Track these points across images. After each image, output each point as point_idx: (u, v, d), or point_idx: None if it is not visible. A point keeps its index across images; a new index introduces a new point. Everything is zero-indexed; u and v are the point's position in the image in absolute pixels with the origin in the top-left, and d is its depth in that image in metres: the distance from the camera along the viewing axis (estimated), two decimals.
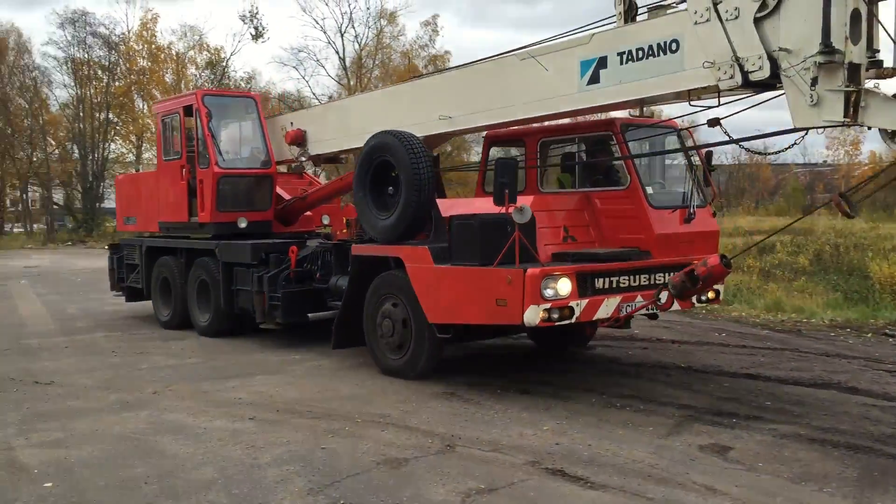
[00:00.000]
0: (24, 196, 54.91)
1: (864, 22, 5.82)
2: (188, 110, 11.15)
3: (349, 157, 12.40)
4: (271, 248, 10.22)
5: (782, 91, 6.12)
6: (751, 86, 6.32)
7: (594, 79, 7.17)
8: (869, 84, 5.86)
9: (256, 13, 48.96)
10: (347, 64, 55.32)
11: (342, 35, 54.50)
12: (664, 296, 7.14)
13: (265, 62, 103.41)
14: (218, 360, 9.46)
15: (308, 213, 12.05)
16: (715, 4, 6.26)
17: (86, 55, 48.05)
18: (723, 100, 6.83)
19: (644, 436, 6.21)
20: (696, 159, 8.47)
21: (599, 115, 8.62)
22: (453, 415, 6.83)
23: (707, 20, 6.32)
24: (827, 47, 5.68)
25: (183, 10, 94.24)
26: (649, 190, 8.10)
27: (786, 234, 18.37)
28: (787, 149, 7.04)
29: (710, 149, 8.25)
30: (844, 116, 5.72)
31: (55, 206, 53.19)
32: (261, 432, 6.38)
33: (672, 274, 7.10)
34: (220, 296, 10.74)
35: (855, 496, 4.99)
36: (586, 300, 7.14)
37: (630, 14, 7.32)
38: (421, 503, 4.90)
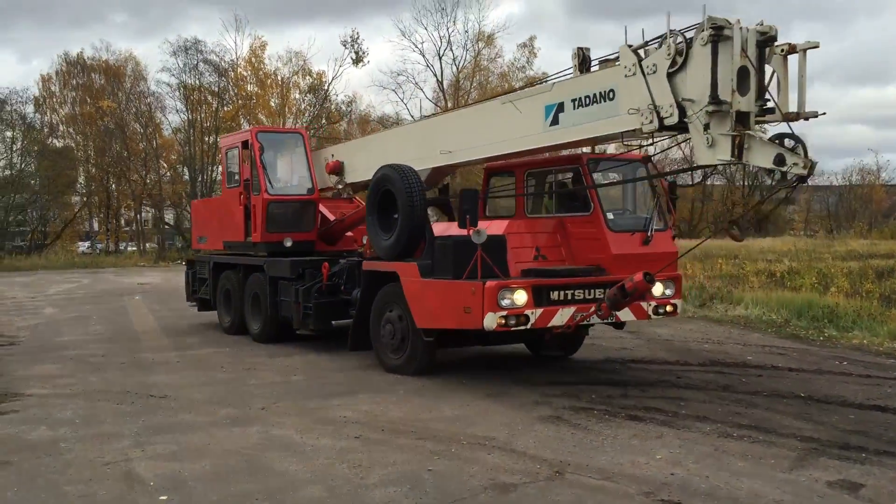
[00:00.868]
0: (138, 216, 57.88)
1: (752, 77, 6.84)
2: (245, 144, 12.62)
3: None
4: (307, 265, 11.61)
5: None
6: (665, 129, 7.40)
7: (555, 121, 8.34)
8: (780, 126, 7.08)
9: (357, 38, 50.12)
10: (445, 86, 56.01)
11: (440, 58, 55.23)
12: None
13: (365, 86, 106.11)
14: (322, 378, 9.56)
15: (350, 233, 13.00)
16: (639, 61, 7.38)
17: (197, 81, 50.29)
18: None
19: (765, 469, 5.86)
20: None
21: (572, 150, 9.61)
22: (560, 440, 6.64)
23: (634, 74, 7.43)
24: (714, 99, 6.78)
25: (288, 36, 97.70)
26: (610, 216, 9.12)
27: None
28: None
29: (674, 179, 9.36)
30: (732, 156, 6.82)
31: (166, 226, 55.83)
32: (366, 451, 6.36)
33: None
34: (268, 305, 12.17)
35: None
36: (541, 309, 8.30)
37: (584, 66, 8.40)
38: None
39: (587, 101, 7.97)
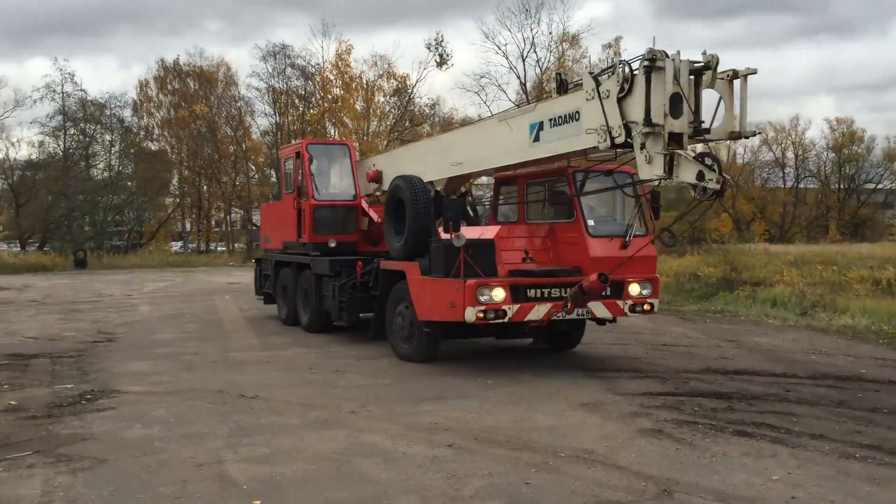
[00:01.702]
0: (227, 217, 59.51)
1: (685, 102, 7.70)
2: (298, 154, 13.97)
3: None
4: (344, 263, 12.74)
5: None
6: (616, 147, 8.31)
7: (537, 138, 9.32)
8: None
9: (441, 41, 50.13)
10: (528, 88, 55.52)
11: (524, 60, 54.71)
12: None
13: (448, 88, 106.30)
14: (411, 382, 9.40)
15: None
16: (597, 86, 8.23)
17: (285, 85, 51.31)
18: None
19: None
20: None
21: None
22: (665, 455, 6.25)
23: (593, 98, 8.30)
24: (648, 122, 7.68)
25: (374, 41, 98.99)
26: (591, 222, 10.00)
27: None
28: (650, 192, 9.70)
29: (657, 189, 9.39)
30: (664, 172, 7.66)
31: (254, 227, 57.12)
32: (460, 461, 6.13)
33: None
34: (313, 299, 13.53)
35: None
36: (518, 305, 9.34)
37: (562, 89, 9.16)
38: None
39: (560, 121, 8.97)
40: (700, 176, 7.49)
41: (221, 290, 24.06)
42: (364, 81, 53.76)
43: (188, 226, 64.30)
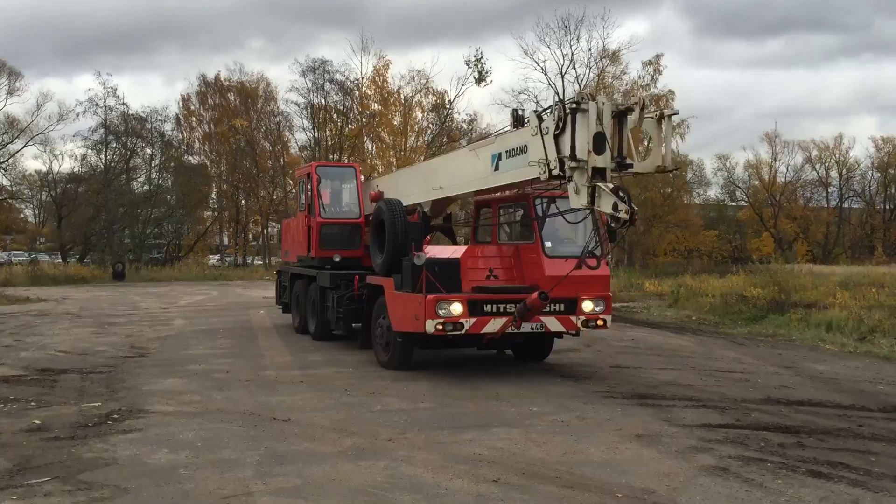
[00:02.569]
0: (265, 231, 59.68)
1: (607, 141, 8.54)
2: (309, 176, 15.02)
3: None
4: (343, 277, 13.55)
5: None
6: (553, 179, 9.09)
7: (497, 167, 10.21)
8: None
9: (481, 58, 49.89)
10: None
11: (562, 76, 54.24)
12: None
13: (486, 104, 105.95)
14: (451, 406, 8.89)
15: None
16: (539, 123, 9.06)
17: (323, 100, 51.41)
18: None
19: None
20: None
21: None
22: (733, 498, 5.66)
23: (536, 134, 9.13)
24: (573, 157, 8.56)
25: (412, 56, 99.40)
26: (548, 244, 10.85)
27: None
28: (581, 221, 10.14)
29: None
30: (588, 202, 8.52)
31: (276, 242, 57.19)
32: (508, 499, 5.62)
33: (553, 305, 10.25)
34: (318, 309, 14.56)
35: None
36: (475, 319, 10.15)
37: (519, 123, 9.80)
38: None
39: (513, 153, 9.84)
40: (615, 207, 8.31)
41: (256, 304, 23.82)
42: (402, 97, 53.75)
43: (226, 239, 64.63)
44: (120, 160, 49.07)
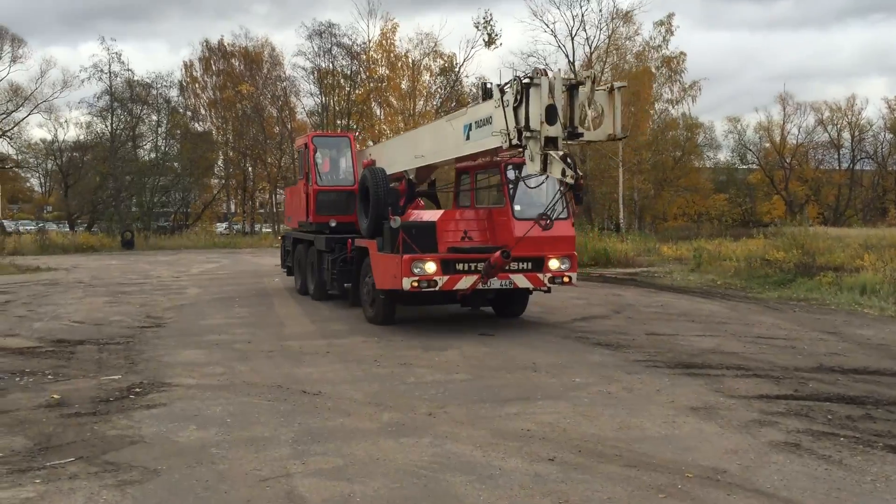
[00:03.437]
0: (272, 198, 59.09)
1: (559, 112, 9.26)
2: (306, 145, 15.93)
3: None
4: (337, 241, 14.20)
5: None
6: (514, 147, 9.77)
7: (468, 137, 10.98)
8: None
9: (490, 19, 48.86)
10: (577, 68, 53.96)
11: (573, 38, 53.21)
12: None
13: (495, 68, 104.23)
14: (488, 377, 8.46)
15: None
16: (502, 96, 9.65)
17: (330, 65, 50.50)
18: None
19: None
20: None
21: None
22: (814, 478, 5.22)
23: (498, 106, 9.78)
24: (527, 128, 9.28)
25: (420, 19, 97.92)
26: (517, 207, 11.62)
27: None
28: (539, 185, 11.02)
29: (581, 177, 9.83)
30: (541, 168, 9.28)
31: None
32: (568, 480, 5.18)
33: (521, 264, 11.15)
34: (316, 271, 15.47)
35: None
36: (447, 277, 10.96)
37: (487, 96, 10.35)
38: None
39: (481, 123, 10.54)
40: (563, 173, 9.15)
41: (269, 272, 23.39)
42: (410, 61, 52.77)
43: (233, 207, 64.12)
44: (126, 127, 48.41)
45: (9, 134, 50.35)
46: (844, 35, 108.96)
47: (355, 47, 50.61)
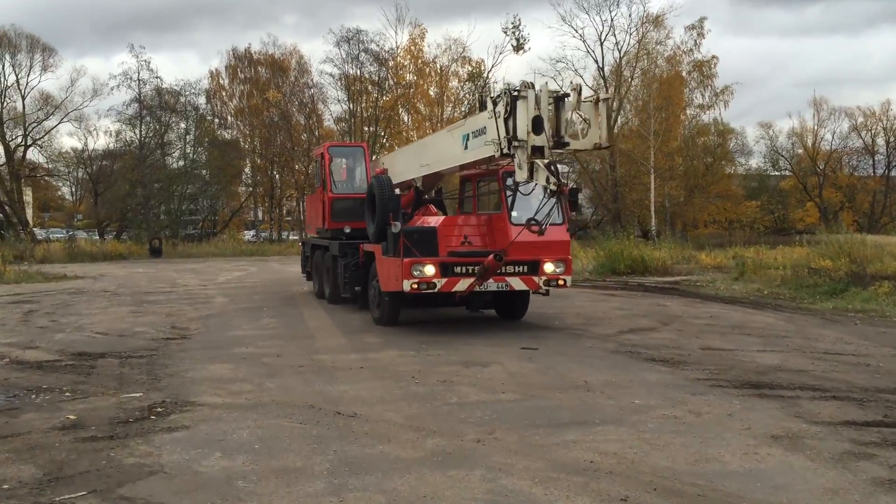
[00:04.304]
0: (300, 205, 58.79)
1: (545, 123, 9.86)
2: (322, 155, 16.65)
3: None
4: (350, 246, 14.72)
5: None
6: (505, 156, 10.26)
7: (466, 146, 11.38)
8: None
9: (518, 24, 48.25)
10: (606, 73, 53.14)
11: (602, 43, 52.52)
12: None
13: (523, 74, 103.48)
14: (537, 397, 7.76)
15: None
16: (494, 107, 10.08)
17: (358, 71, 50.09)
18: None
19: None
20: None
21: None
22: None
23: (491, 117, 10.19)
24: (515, 138, 9.92)
25: (449, 27, 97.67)
26: (514, 213, 11.95)
27: None
28: (531, 192, 11.27)
29: (574, 186, 11.17)
30: (529, 176, 9.96)
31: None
32: None
33: (517, 267, 11.69)
34: (330, 275, 16.05)
35: None
36: (445, 279, 11.44)
37: (482, 107, 10.96)
38: None
39: (477, 134, 10.95)
40: (548, 179, 9.75)
41: (297, 280, 22.80)
42: (438, 67, 52.25)
43: (260, 214, 63.89)
44: (154, 135, 48.38)
45: (39, 143, 50.60)
46: (877, 40, 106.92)
47: (383, 54, 50.18)
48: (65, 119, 50.65)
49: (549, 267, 11.81)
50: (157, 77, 47.26)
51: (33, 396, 7.93)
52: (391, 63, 51.02)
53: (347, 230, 15.31)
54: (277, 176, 55.90)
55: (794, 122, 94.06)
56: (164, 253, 39.62)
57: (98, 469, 5.62)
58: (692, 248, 33.59)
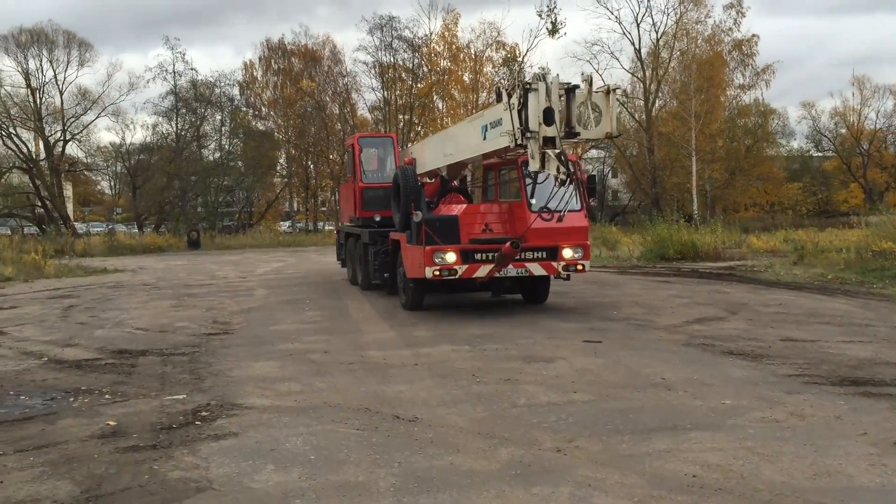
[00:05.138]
0: (335, 195, 58.44)
1: (556, 114, 10.08)
2: (353, 146, 17.21)
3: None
4: (379, 234, 15.00)
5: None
6: (518, 147, 10.60)
7: (484, 136, 11.67)
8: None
9: (554, 7, 47.07)
10: (643, 55, 51.88)
11: (638, 25, 51.29)
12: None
13: (559, 58, 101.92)
14: (613, 397, 7.06)
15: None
16: (509, 99, 10.36)
17: (392, 59, 49.45)
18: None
19: None
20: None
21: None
22: None
23: (506, 109, 10.50)
24: (527, 129, 10.20)
25: (483, 11, 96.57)
26: (533, 201, 11.93)
27: None
28: (545, 181, 11.44)
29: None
30: (540, 165, 10.25)
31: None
32: None
33: (536, 253, 12.04)
34: (362, 263, 16.44)
35: None
36: (466, 265, 11.86)
37: (499, 99, 10.99)
38: None
39: (494, 125, 11.13)
40: (558, 169, 10.04)
41: (337, 271, 22.28)
42: (472, 52, 51.39)
43: (296, 205, 63.71)
44: (190, 128, 48.27)
45: (78, 137, 50.80)
46: None
47: (416, 40, 49.44)
48: (102, 114, 50.67)
49: (567, 252, 12.05)
50: (191, 69, 47.18)
51: (71, 400, 7.45)
52: (425, 49, 50.31)
53: (377, 218, 15.59)
54: (312, 166, 55.57)
55: (836, 101, 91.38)
56: (202, 245, 39.50)
57: (140, 485, 5.06)
58: (739, 231, 32.49)
